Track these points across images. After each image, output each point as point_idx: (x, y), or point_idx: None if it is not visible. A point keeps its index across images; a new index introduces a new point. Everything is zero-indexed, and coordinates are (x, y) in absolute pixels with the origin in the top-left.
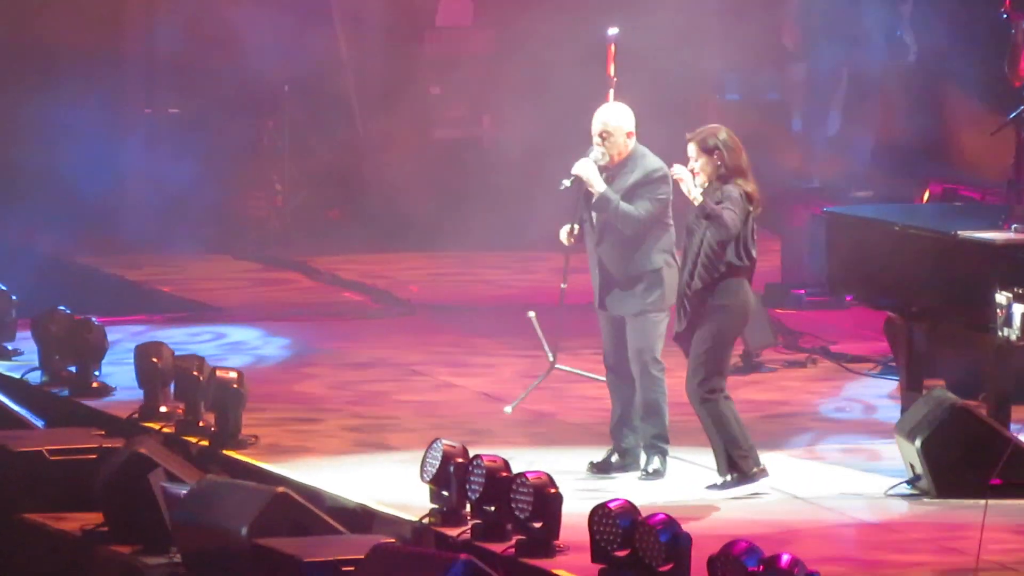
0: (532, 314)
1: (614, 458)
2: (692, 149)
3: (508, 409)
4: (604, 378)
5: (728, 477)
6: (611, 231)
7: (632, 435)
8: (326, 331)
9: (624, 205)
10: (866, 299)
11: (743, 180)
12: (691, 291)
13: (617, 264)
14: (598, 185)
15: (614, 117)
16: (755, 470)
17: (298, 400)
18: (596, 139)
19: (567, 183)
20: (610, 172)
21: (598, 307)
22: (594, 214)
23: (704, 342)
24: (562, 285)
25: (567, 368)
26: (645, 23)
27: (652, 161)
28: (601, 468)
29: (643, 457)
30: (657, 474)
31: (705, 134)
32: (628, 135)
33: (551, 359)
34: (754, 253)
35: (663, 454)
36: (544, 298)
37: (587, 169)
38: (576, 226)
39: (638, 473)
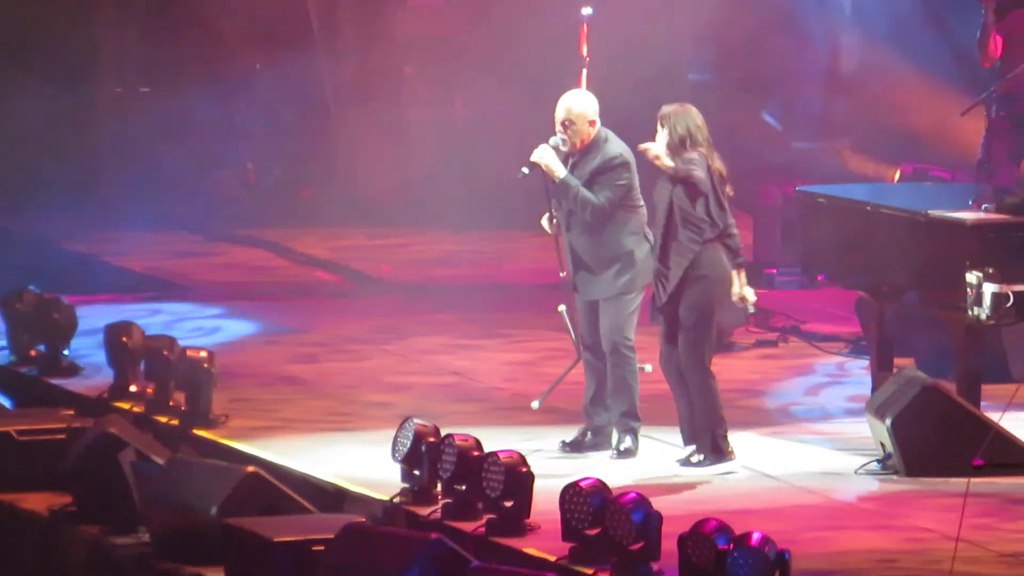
0: (563, 308)
1: (586, 437)
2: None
3: (535, 404)
4: (646, 366)
5: (702, 456)
6: (577, 217)
7: (605, 413)
8: (298, 310)
9: (584, 192)
10: (837, 279)
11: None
12: (670, 264)
13: (587, 249)
14: (559, 171)
15: (578, 104)
16: (730, 451)
17: (269, 379)
18: (559, 126)
19: (525, 171)
20: (575, 158)
21: (573, 289)
22: (560, 201)
23: (691, 313)
24: (561, 273)
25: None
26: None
27: (613, 147)
28: (573, 447)
29: (615, 436)
30: (629, 453)
31: (665, 110)
32: (591, 123)
33: (579, 351)
34: (720, 222)
35: (634, 433)
36: (514, 278)
37: (547, 156)
38: (554, 212)
39: (610, 452)
